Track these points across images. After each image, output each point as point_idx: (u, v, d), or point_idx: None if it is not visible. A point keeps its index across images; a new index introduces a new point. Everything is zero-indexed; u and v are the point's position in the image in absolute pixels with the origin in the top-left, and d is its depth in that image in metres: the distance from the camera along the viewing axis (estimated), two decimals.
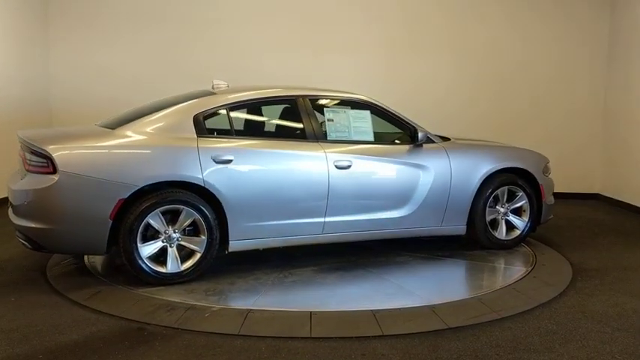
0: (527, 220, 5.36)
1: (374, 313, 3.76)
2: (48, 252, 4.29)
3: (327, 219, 4.65)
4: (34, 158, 4.08)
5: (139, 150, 4.22)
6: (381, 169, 4.86)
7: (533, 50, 8.24)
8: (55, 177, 3.95)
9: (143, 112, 4.58)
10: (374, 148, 4.88)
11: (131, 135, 4.27)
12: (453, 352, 3.26)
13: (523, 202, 5.32)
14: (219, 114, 4.56)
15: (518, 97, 8.30)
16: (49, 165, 3.99)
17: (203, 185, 4.21)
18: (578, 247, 5.58)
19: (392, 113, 5.06)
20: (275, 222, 4.50)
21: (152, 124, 4.36)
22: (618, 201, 7.86)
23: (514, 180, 5.26)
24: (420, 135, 4.93)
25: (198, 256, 4.28)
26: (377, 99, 5.18)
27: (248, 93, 4.83)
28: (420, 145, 4.97)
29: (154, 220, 4.14)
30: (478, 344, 3.37)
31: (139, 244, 4.10)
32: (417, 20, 8.24)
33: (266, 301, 3.98)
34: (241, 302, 4.03)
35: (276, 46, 8.15)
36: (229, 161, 4.30)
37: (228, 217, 4.32)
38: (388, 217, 4.85)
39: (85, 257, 4.93)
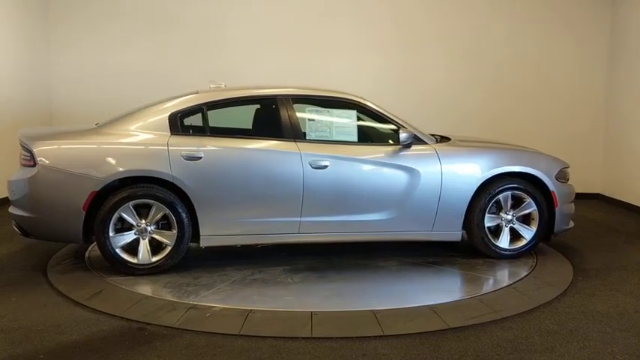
0: (535, 229, 4.98)
1: (375, 313, 3.76)
2: (34, 238, 4.60)
3: (303, 219, 4.62)
4: (24, 153, 4.46)
5: (111, 146, 4.44)
6: (361, 170, 4.71)
7: (533, 50, 8.23)
8: (35, 169, 4.32)
9: (132, 111, 4.79)
10: (354, 148, 4.76)
11: (110, 132, 4.55)
12: (454, 353, 3.26)
13: (531, 209, 4.95)
14: (195, 113, 4.71)
15: (518, 98, 8.29)
16: (31, 158, 4.37)
17: (172, 181, 4.39)
18: (579, 247, 5.57)
19: (380, 113, 4.91)
20: (247, 220, 4.57)
21: (132, 122, 4.60)
22: (619, 201, 7.85)
23: (519, 185, 4.91)
24: (403, 136, 4.70)
25: (168, 249, 4.47)
26: (372, 98, 5.10)
27: (225, 92, 4.87)
28: (408, 146, 4.77)
29: (126, 213, 4.38)
30: (479, 344, 3.37)
31: (110, 235, 4.36)
32: (414, 20, 8.23)
33: (212, 298, 4.01)
34: (188, 297, 4.03)
35: (278, 47, 8.14)
36: (199, 158, 4.44)
37: (197, 212, 4.47)
38: (368, 219, 4.72)
39: (86, 257, 4.94)
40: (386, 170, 4.74)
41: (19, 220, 4.46)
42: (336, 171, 4.63)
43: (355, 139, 4.84)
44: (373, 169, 4.74)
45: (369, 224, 4.75)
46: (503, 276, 4.71)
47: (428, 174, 4.75)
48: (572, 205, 5.25)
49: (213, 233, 4.54)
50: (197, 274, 4.52)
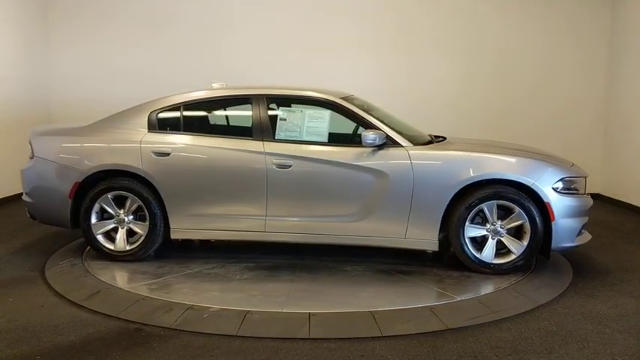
0: (526, 243, 4.49)
1: (373, 314, 3.75)
2: (39, 222, 5.15)
3: (269, 218, 4.67)
4: (30, 147, 5.03)
5: (94, 143, 4.89)
6: (325, 171, 4.59)
7: (532, 50, 8.20)
8: (33, 161, 4.96)
9: (127, 109, 5.07)
10: (321, 149, 4.65)
11: (101, 129, 4.96)
12: (453, 353, 3.25)
13: (521, 221, 4.46)
14: (173, 112, 4.97)
15: (518, 98, 8.27)
16: (32, 151, 4.98)
17: (143, 175, 4.72)
18: (578, 248, 5.54)
19: (356, 113, 4.72)
20: (214, 215, 4.74)
21: (118, 120, 4.98)
22: (619, 201, 7.83)
23: (504, 194, 4.45)
24: (369, 137, 4.44)
25: (142, 239, 4.79)
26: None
27: (203, 92, 5.06)
28: (380, 148, 4.53)
29: (105, 204, 4.79)
30: (477, 345, 3.36)
31: (92, 223, 4.79)
32: (412, 19, 8.22)
33: (149, 288, 4.21)
34: (129, 284, 4.31)
35: (277, 48, 8.13)
36: (167, 154, 4.71)
37: (166, 205, 4.75)
38: (333, 221, 4.61)
39: (83, 258, 4.94)
40: (351, 172, 4.57)
41: (27, 204, 5.07)
42: (299, 171, 4.62)
43: (326, 139, 4.72)
44: (338, 170, 4.58)
45: (334, 227, 4.63)
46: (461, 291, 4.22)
47: (397, 178, 4.51)
48: (582, 219, 4.72)
49: (181, 227, 4.77)
50: (163, 264, 4.75)
